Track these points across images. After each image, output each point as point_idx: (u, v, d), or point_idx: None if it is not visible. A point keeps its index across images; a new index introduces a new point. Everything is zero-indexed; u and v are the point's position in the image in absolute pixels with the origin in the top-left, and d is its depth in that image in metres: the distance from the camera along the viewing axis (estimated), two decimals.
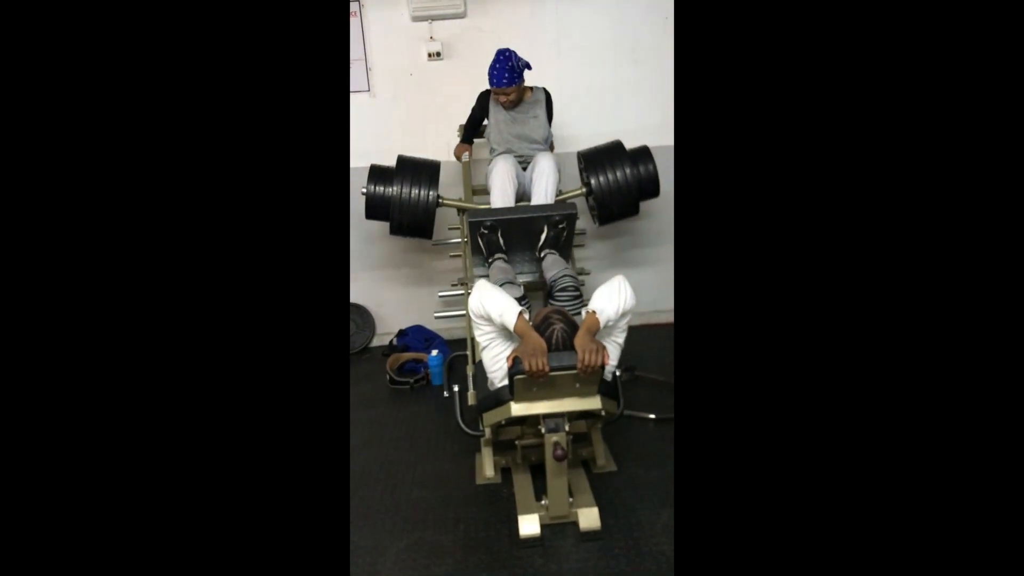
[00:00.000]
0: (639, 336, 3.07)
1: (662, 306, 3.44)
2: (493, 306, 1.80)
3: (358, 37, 3.18)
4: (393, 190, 2.60)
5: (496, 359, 1.89)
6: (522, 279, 2.47)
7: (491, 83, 2.57)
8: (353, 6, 3.13)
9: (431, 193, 2.61)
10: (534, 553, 1.80)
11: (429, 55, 3.21)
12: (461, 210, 2.78)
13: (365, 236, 3.31)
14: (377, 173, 2.65)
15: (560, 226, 2.41)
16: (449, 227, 3.02)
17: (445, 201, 2.69)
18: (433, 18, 3.17)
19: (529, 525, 1.86)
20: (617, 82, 3.30)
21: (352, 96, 3.20)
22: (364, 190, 2.64)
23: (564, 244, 2.46)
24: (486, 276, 2.50)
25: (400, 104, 3.28)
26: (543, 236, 2.42)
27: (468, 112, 2.84)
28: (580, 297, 2.20)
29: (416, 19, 3.16)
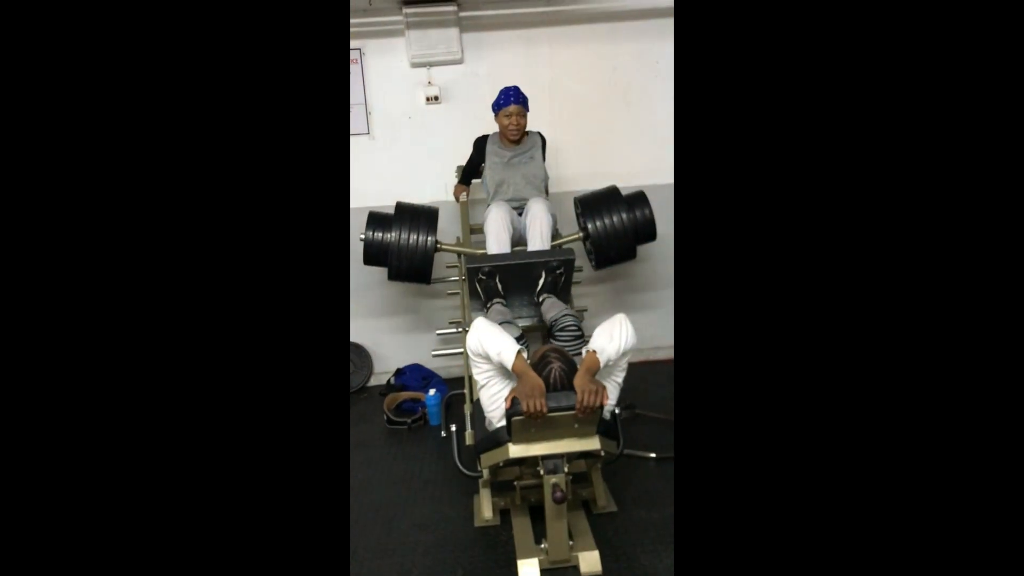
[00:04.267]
0: (639, 373, 3.05)
1: (662, 343, 3.44)
2: (491, 344, 1.79)
3: (358, 82, 3.25)
4: (391, 236, 2.57)
5: (494, 398, 1.88)
6: (521, 323, 2.46)
7: (503, 102, 2.62)
8: (354, 53, 3.22)
9: (429, 239, 2.58)
10: None
11: (427, 99, 3.28)
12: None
13: (364, 275, 3.31)
14: (376, 219, 2.62)
15: (558, 271, 2.42)
16: (447, 265, 3.04)
17: (443, 246, 2.69)
18: (431, 64, 3.25)
19: (529, 570, 1.82)
20: (610, 124, 3.37)
21: (352, 139, 3.25)
22: (362, 236, 2.59)
23: (563, 288, 2.47)
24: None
25: (399, 146, 3.34)
26: (541, 281, 2.43)
27: (466, 154, 2.88)
28: (581, 337, 2.18)
29: (415, 65, 3.25)
